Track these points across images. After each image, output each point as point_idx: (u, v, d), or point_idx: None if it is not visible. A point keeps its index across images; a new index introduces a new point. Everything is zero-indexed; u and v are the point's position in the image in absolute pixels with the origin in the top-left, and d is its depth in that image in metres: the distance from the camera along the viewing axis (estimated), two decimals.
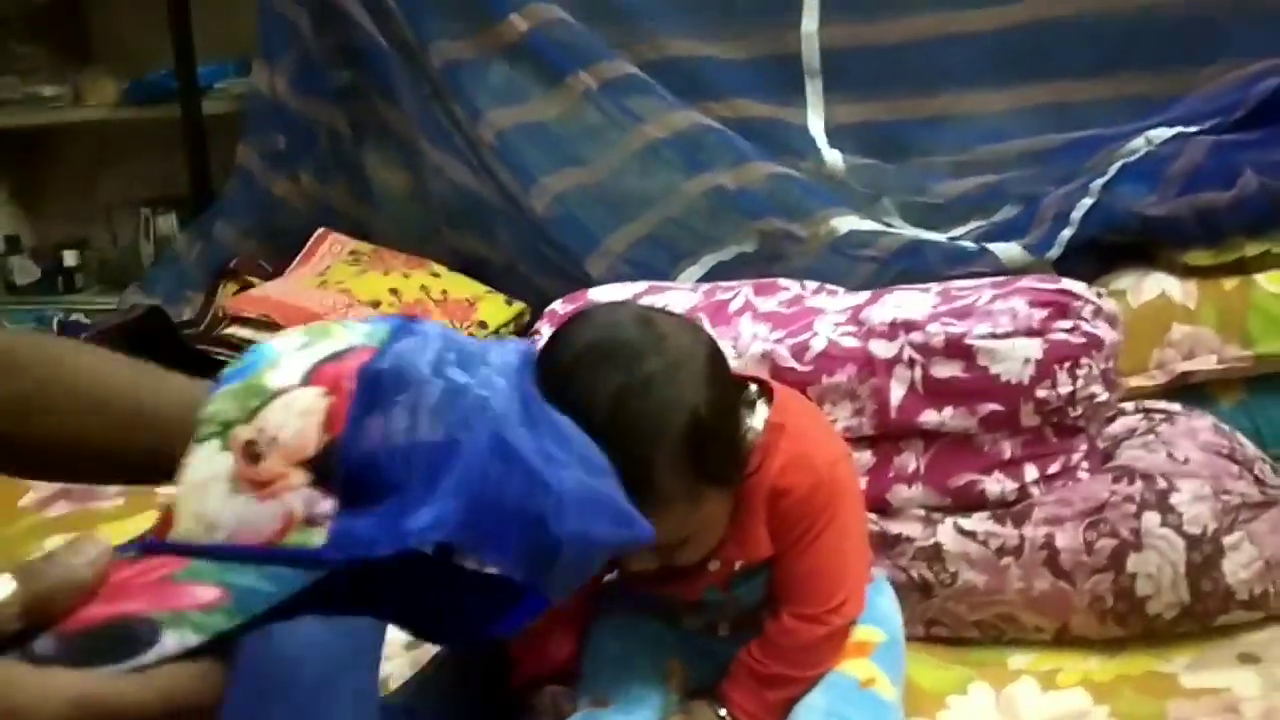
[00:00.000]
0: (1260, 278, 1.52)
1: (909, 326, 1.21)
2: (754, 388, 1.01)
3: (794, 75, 1.94)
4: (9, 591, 0.39)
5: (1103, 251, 1.64)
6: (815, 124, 1.94)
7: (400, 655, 1.12)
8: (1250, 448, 1.23)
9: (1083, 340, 1.17)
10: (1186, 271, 1.56)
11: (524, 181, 2.04)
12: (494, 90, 2.09)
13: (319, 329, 0.48)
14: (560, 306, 1.46)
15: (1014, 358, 1.16)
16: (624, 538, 0.49)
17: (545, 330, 1.43)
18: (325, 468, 0.43)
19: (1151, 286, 1.57)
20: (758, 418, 0.98)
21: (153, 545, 0.44)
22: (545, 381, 0.78)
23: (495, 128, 2.05)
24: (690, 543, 0.95)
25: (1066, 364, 1.16)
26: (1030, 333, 1.17)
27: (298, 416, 0.44)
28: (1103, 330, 1.19)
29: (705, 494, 0.92)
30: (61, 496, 1.52)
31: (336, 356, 0.45)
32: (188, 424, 0.46)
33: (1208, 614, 1.11)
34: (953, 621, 1.16)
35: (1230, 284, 1.53)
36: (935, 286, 1.28)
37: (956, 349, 1.18)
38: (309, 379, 0.45)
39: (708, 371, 0.92)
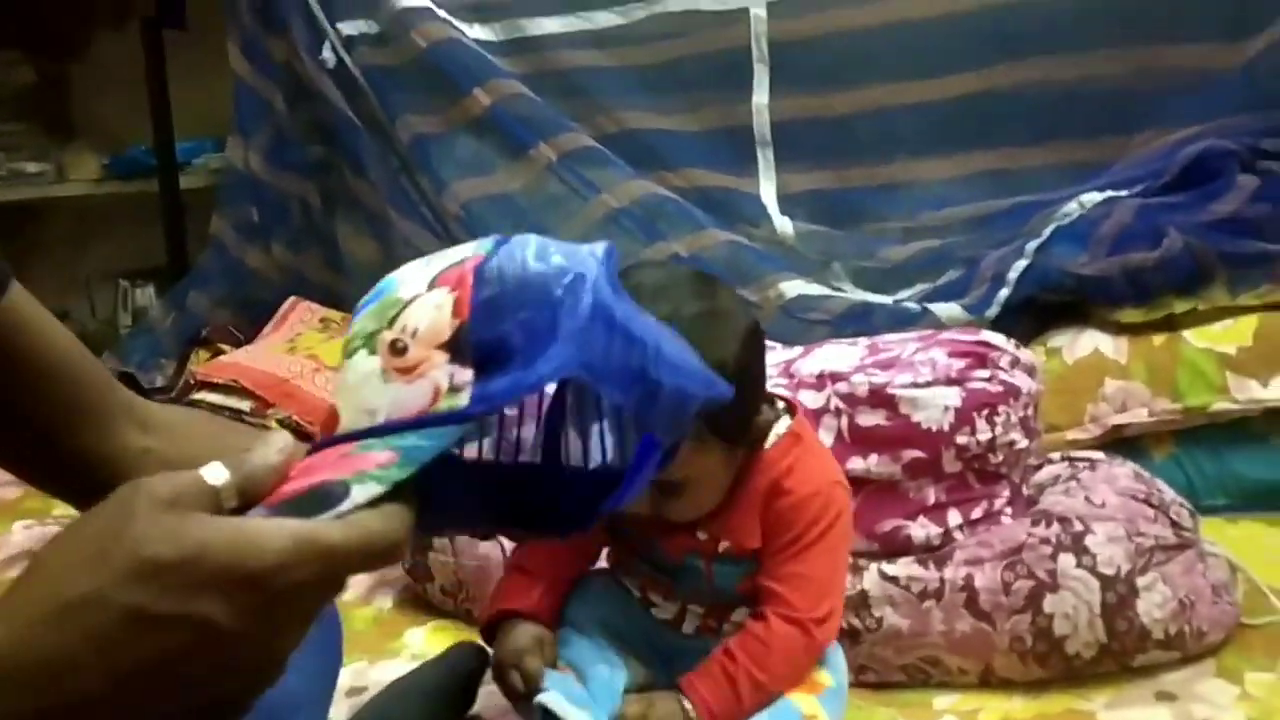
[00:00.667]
0: (1188, 334, 1.58)
1: (835, 378, 1.25)
2: (782, 404, 1.07)
3: (746, 146, 2.02)
4: (224, 477, 0.48)
5: (1040, 311, 1.70)
6: (767, 192, 2.02)
7: (341, 701, 1.14)
8: (1169, 493, 1.27)
9: (1000, 389, 1.22)
10: (1119, 329, 1.62)
11: None
12: (461, 163, 2.18)
13: (432, 254, 0.57)
14: None
15: (934, 405, 1.21)
16: (710, 391, 0.58)
17: None
18: (460, 346, 0.51)
19: (1085, 343, 1.62)
20: (781, 422, 1.03)
21: (324, 442, 0.52)
22: None
23: (460, 199, 2.13)
24: (686, 494, 0.97)
25: (985, 411, 1.21)
26: (949, 381, 1.21)
27: (431, 309, 0.52)
28: (1020, 379, 1.24)
29: (709, 444, 0.95)
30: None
31: (453, 265, 0.54)
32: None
33: (1125, 653, 1.14)
34: (880, 666, 1.19)
35: (1159, 340, 1.59)
36: (864, 340, 1.33)
37: (880, 398, 1.22)
38: (434, 284, 0.53)
39: (745, 335, 0.95)
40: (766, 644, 0.98)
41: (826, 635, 1.00)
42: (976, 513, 1.22)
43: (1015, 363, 1.25)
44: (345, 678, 1.23)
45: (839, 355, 1.30)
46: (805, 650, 0.99)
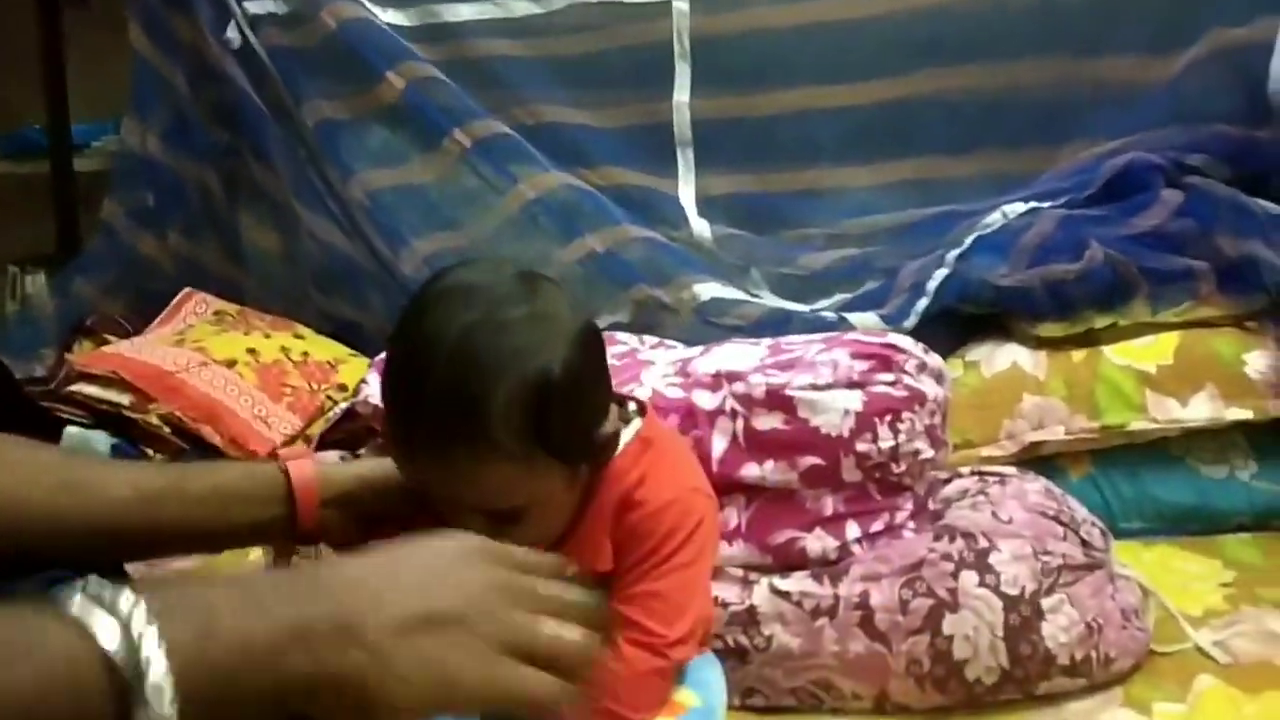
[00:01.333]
0: (1108, 350, 1.52)
1: (732, 377, 1.18)
2: (633, 405, 0.97)
3: (666, 145, 1.94)
4: None
5: (959, 323, 1.64)
6: (686, 194, 1.94)
7: None
8: (1081, 511, 1.21)
9: (905, 394, 1.15)
10: (1038, 343, 1.56)
11: (394, 244, 2.01)
12: (371, 152, 2.08)
13: None
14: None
15: (834, 409, 1.13)
16: None
17: (372, 379, 1.38)
18: None
19: (1004, 357, 1.56)
20: (629, 428, 0.93)
21: None
22: (404, 313, 0.86)
23: (367, 188, 2.03)
24: (523, 521, 0.86)
25: (888, 417, 1.14)
26: (850, 384, 1.14)
27: None
28: (927, 385, 1.17)
29: (542, 465, 0.84)
30: None
31: None
32: None
33: (1029, 680, 1.07)
34: (769, 689, 1.11)
35: (1079, 356, 1.53)
36: (767, 340, 1.26)
37: (777, 400, 1.15)
38: None
39: (575, 337, 0.86)
40: (619, 673, 0.87)
41: (683, 655, 0.91)
42: (877, 525, 1.15)
43: (922, 367, 1.18)
44: None
45: (738, 354, 1.22)
46: (660, 674, 0.90)
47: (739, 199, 1.94)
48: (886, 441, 1.13)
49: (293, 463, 0.88)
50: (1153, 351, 1.50)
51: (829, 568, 1.12)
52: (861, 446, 1.13)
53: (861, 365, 1.15)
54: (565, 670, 0.60)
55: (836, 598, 1.09)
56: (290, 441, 1.78)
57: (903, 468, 1.15)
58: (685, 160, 1.94)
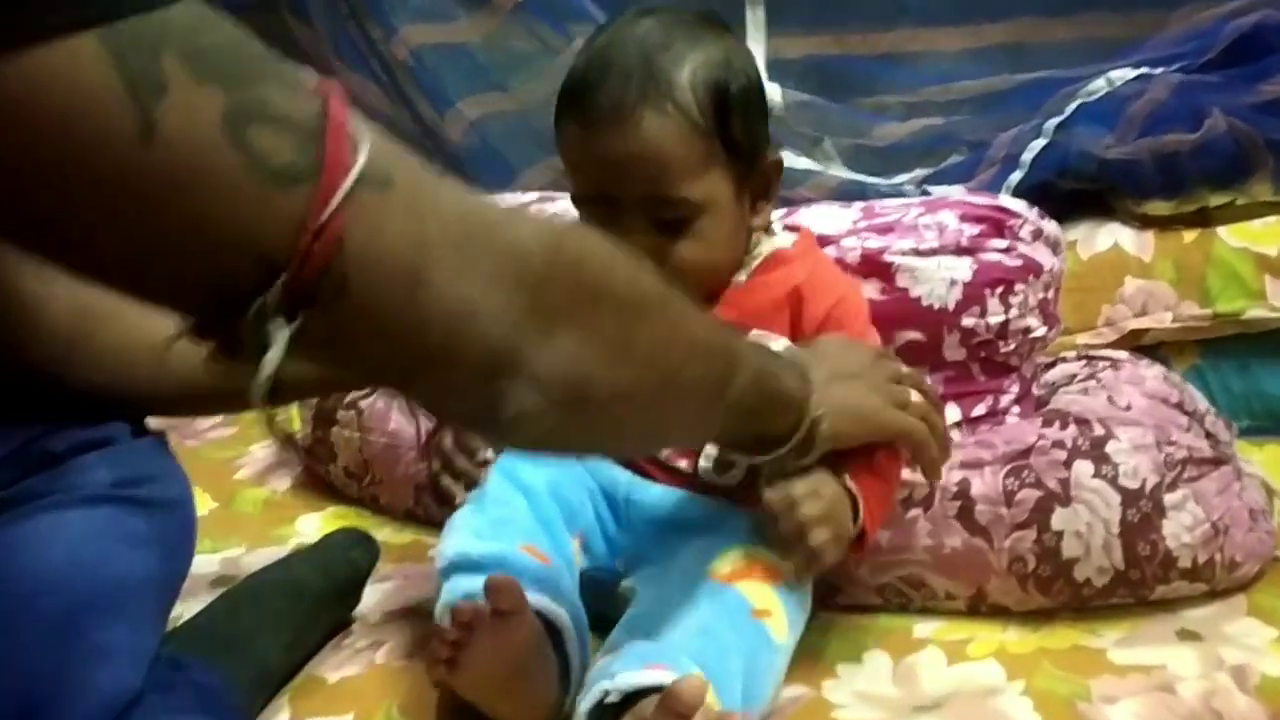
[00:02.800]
0: (1223, 231, 1.38)
1: (823, 241, 1.05)
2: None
3: (735, 2, 1.79)
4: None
5: (1056, 199, 1.49)
6: (756, 55, 1.78)
7: (203, 592, 0.95)
8: (1202, 401, 1.09)
9: (1018, 263, 1.02)
10: (1144, 222, 1.42)
11: (439, 106, 1.88)
12: (415, 8, 1.93)
13: None
14: None
15: (938, 279, 1.01)
16: None
17: None
18: None
19: (1105, 237, 1.43)
20: (787, 236, 0.98)
21: None
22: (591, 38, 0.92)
23: (410, 45, 1.89)
24: (689, 234, 0.88)
25: (999, 289, 1.01)
26: (958, 250, 1.02)
27: None
28: (1042, 255, 1.05)
29: (717, 159, 0.88)
30: None
31: None
32: None
33: (1144, 583, 0.96)
34: (852, 586, 1.01)
35: (1190, 237, 1.39)
36: (859, 203, 1.13)
37: (874, 266, 1.03)
38: None
39: (758, 79, 0.92)
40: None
41: None
42: (979, 409, 1.04)
43: (1038, 234, 1.05)
44: (215, 565, 1.05)
45: (828, 216, 1.10)
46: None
47: (813, 62, 1.78)
48: (996, 316, 1.01)
49: None
50: (1274, 234, 1.36)
51: None
52: (968, 321, 1.01)
53: (971, 229, 1.02)
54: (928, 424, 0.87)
55: (932, 486, 0.98)
56: None
57: (1011, 346, 1.03)
58: (755, 19, 1.79)
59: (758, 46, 1.79)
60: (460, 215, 0.52)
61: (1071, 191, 1.50)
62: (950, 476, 0.98)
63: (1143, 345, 1.38)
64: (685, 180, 0.86)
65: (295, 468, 1.28)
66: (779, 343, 0.84)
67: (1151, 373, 1.12)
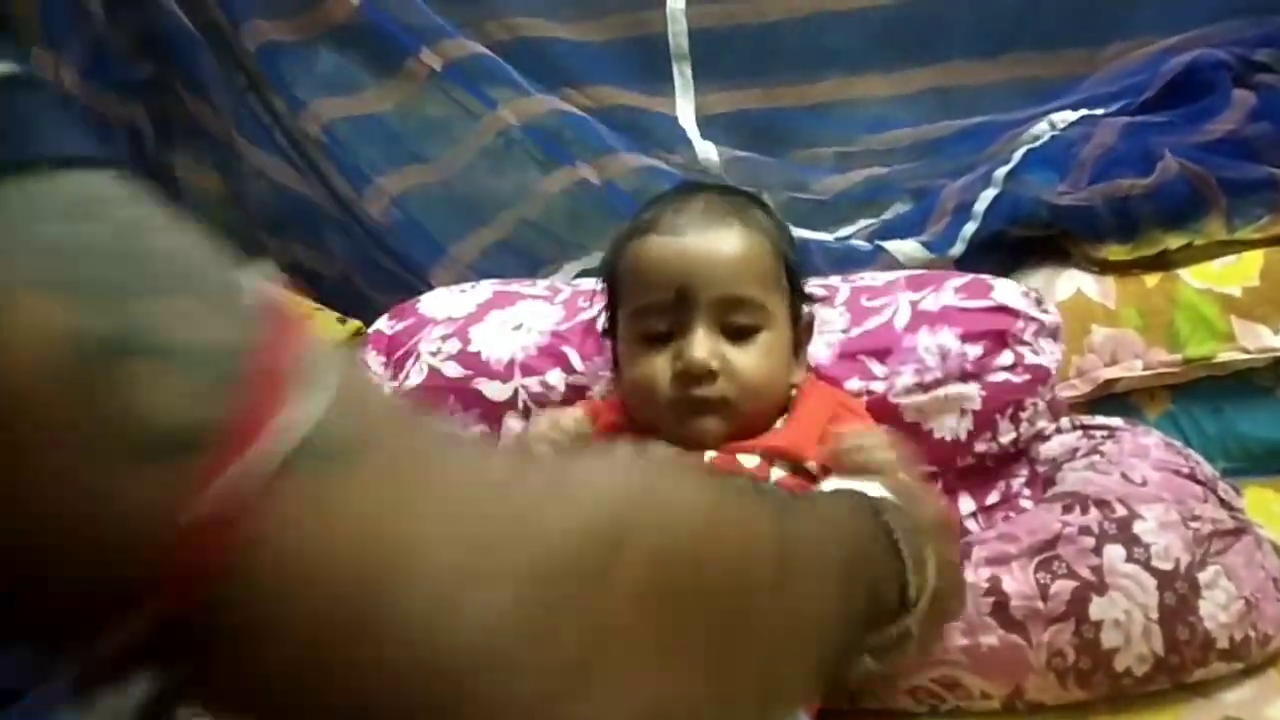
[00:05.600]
0: (1185, 273, 1.37)
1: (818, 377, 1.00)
2: None
3: (660, 59, 1.74)
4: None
5: (1008, 247, 1.48)
6: (685, 113, 1.74)
7: None
8: (1207, 466, 1.06)
9: (1026, 378, 0.99)
10: (1104, 267, 1.41)
11: (356, 182, 1.79)
12: (321, 79, 1.83)
13: None
14: (386, 325, 1.20)
15: (948, 411, 0.97)
16: None
17: (371, 359, 1.18)
18: None
19: (1065, 285, 1.41)
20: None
21: None
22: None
23: (321, 120, 1.79)
24: (751, 344, 0.90)
25: (1009, 410, 0.98)
26: (964, 377, 0.98)
27: None
28: (1046, 355, 1.01)
29: (781, 288, 0.92)
30: None
31: None
32: None
33: (1184, 668, 0.93)
34: (883, 689, 0.95)
35: (1152, 281, 1.38)
36: (841, 291, 1.07)
37: (881, 411, 0.98)
38: None
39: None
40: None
41: None
42: (992, 497, 1.00)
43: (1040, 330, 1.02)
44: None
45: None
46: None
47: (743, 116, 1.74)
48: (1008, 435, 0.98)
49: None
50: (1235, 273, 1.36)
51: None
52: (980, 447, 0.97)
53: (974, 350, 0.98)
54: None
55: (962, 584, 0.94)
56: None
57: (1021, 446, 0.99)
58: (683, 76, 1.74)
59: (686, 103, 1.75)
60: (468, 499, 0.34)
61: (1022, 238, 1.48)
62: (979, 574, 0.93)
63: (1114, 394, 1.36)
64: (761, 286, 0.90)
65: None
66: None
67: (1152, 441, 1.09)
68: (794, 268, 0.95)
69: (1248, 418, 1.35)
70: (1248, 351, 1.32)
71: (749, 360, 0.89)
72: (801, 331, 0.96)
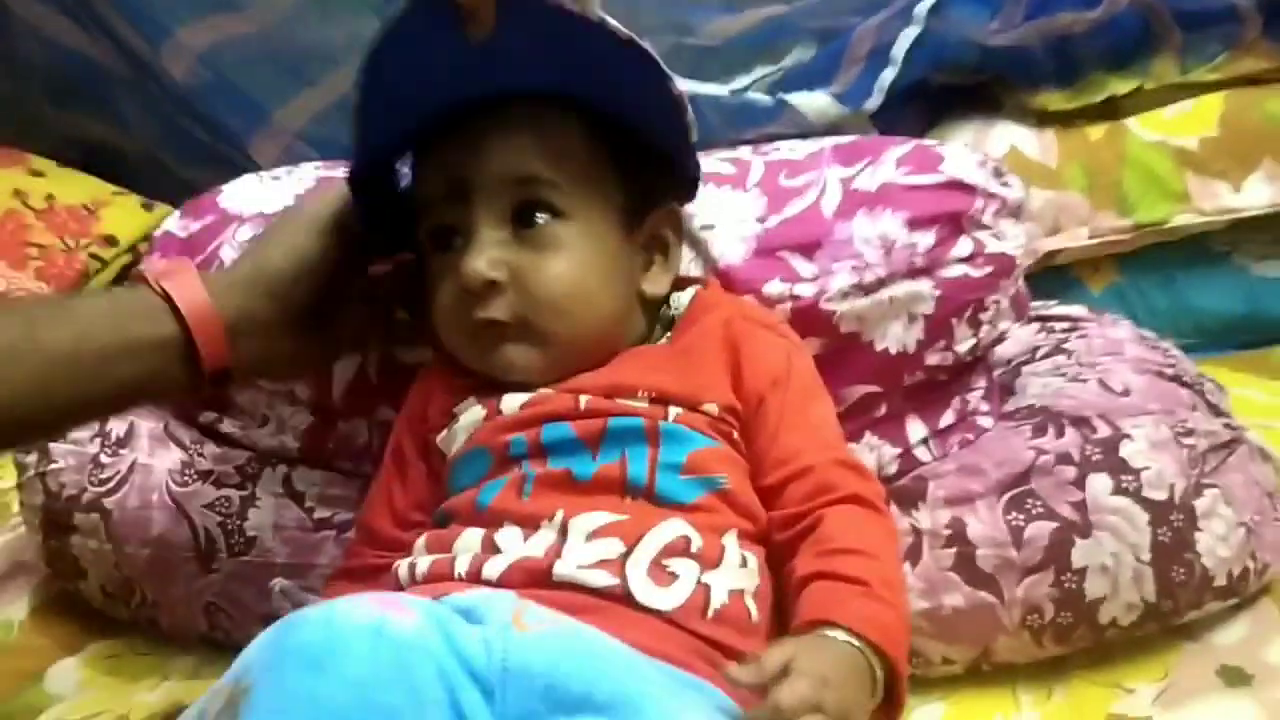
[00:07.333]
0: (1133, 123, 1.19)
1: (737, 289, 0.78)
2: None
3: None
4: None
5: (933, 96, 1.28)
6: None
7: None
8: (1187, 360, 0.89)
9: (988, 270, 0.79)
10: (1041, 119, 1.22)
11: (153, 37, 1.47)
12: None
13: None
14: (178, 226, 0.93)
15: (893, 317, 0.77)
16: None
17: (155, 261, 0.92)
18: None
19: (998, 140, 1.22)
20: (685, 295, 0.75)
21: None
22: None
23: (195, 52, 1.46)
24: (553, 241, 0.67)
25: (967, 312, 0.78)
26: (912, 272, 0.77)
27: None
28: (1010, 240, 0.81)
29: (602, 175, 0.68)
30: None
31: None
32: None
33: (1175, 612, 0.77)
34: None
35: (1097, 134, 1.20)
36: (754, 168, 0.85)
37: (810, 321, 0.77)
38: None
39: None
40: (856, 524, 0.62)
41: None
42: (948, 417, 0.81)
43: (1002, 208, 0.81)
44: None
45: (718, 203, 0.82)
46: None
47: None
48: (966, 342, 0.79)
49: (170, 280, 0.65)
50: (1191, 121, 1.18)
51: (894, 488, 0.78)
52: (933, 359, 0.78)
53: (924, 238, 0.77)
54: None
55: (917, 532, 0.76)
56: None
57: (980, 353, 0.80)
58: None
59: None
60: None
61: (947, 86, 1.28)
62: (937, 518, 0.76)
63: (1055, 265, 1.19)
64: (558, 164, 0.67)
65: (36, 577, 0.93)
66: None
67: (1124, 334, 0.92)
68: (651, 141, 0.70)
69: (1201, 288, 1.20)
70: (1204, 214, 1.16)
71: (554, 270, 0.66)
72: (658, 227, 0.72)
